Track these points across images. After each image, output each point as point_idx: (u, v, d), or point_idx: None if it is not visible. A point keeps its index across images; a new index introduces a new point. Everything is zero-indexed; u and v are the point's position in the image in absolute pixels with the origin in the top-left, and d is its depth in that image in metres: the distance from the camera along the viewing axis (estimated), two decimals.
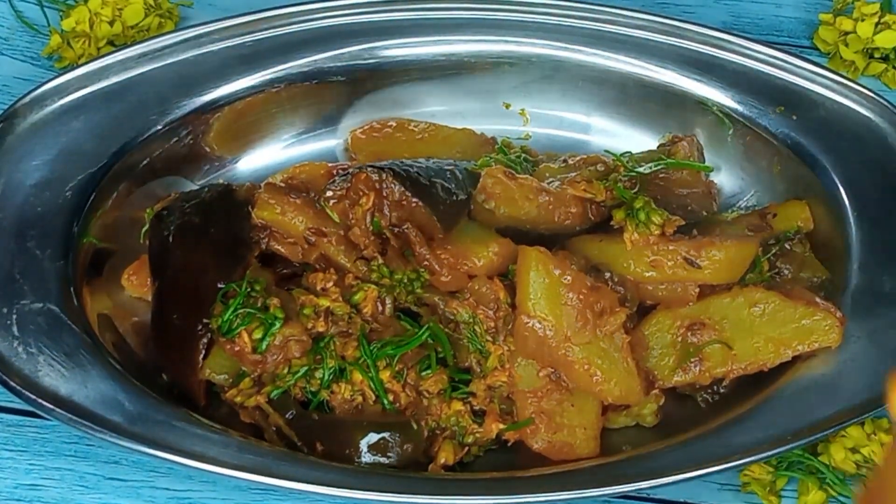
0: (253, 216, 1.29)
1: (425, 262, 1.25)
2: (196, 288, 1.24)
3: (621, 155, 1.34)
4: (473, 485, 1.20)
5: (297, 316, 1.24)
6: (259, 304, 1.23)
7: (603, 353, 1.22)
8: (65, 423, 1.17)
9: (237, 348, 1.22)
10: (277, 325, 1.22)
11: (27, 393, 1.17)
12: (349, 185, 1.27)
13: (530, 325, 1.22)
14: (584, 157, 1.36)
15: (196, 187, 1.36)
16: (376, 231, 1.26)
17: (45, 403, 1.17)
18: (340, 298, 1.25)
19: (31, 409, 1.18)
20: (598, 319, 1.22)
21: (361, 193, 1.26)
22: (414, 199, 1.25)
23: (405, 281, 1.26)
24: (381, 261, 1.26)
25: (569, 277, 1.22)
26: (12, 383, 1.17)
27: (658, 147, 1.38)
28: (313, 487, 1.15)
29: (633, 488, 1.18)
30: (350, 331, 1.24)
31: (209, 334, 1.22)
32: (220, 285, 1.23)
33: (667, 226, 1.26)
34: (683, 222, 1.27)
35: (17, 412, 1.27)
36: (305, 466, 1.17)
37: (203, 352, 1.22)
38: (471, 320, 1.24)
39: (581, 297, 1.21)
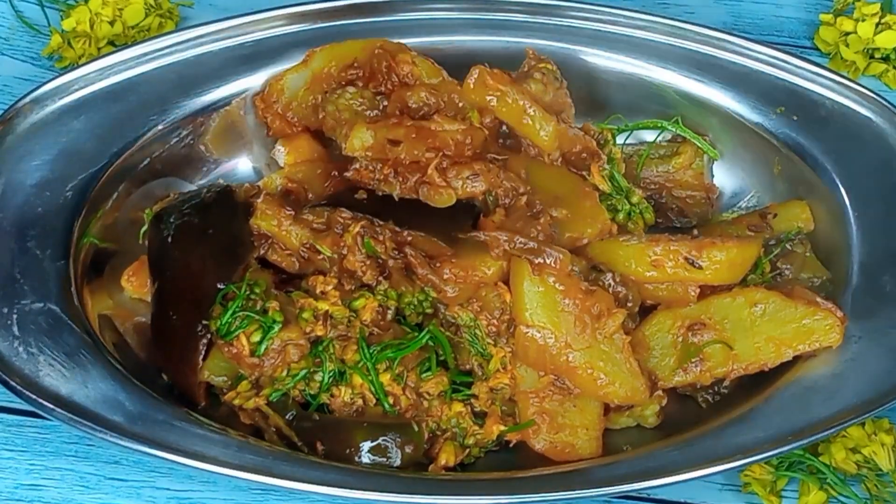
0: (251, 224, 1.29)
1: (428, 282, 1.24)
2: (196, 288, 1.24)
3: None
4: (474, 485, 1.20)
5: (296, 319, 1.23)
6: (258, 307, 1.22)
7: (605, 356, 1.22)
8: (65, 423, 1.17)
9: (235, 351, 1.22)
10: (276, 328, 1.22)
11: (28, 393, 1.17)
12: (324, 220, 1.28)
13: (529, 334, 1.21)
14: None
15: (195, 188, 1.36)
16: (371, 254, 1.26)
17: (45, 403, 1.17)
18: (340, 302, 1.25)
19: (31, 409, 1.18)
20: (597, 322, 1.22)
21: (345, 222, 1.27)
22: (408, 232, 1.25)
23: (414, 303, 1.26)
24: (386, 285, 1.26)
25: (563, 284, 1.22)
26: (13, 383, 1.17)
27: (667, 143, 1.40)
28: (314, 487, 1.15)
29: (634, 488, 1.18)
30: (349, 334, 1.24)
31: (208, 335, 1.22)
32: (219, 286, 1.23)
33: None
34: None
35: (17, 412, 1.27)
36: (306, 466, 1.17)
37: (203, 353, 1.22)
38: (472, 324, 1.24)
39: (577, 301, 1.21)
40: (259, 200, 1.29)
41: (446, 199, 1.25)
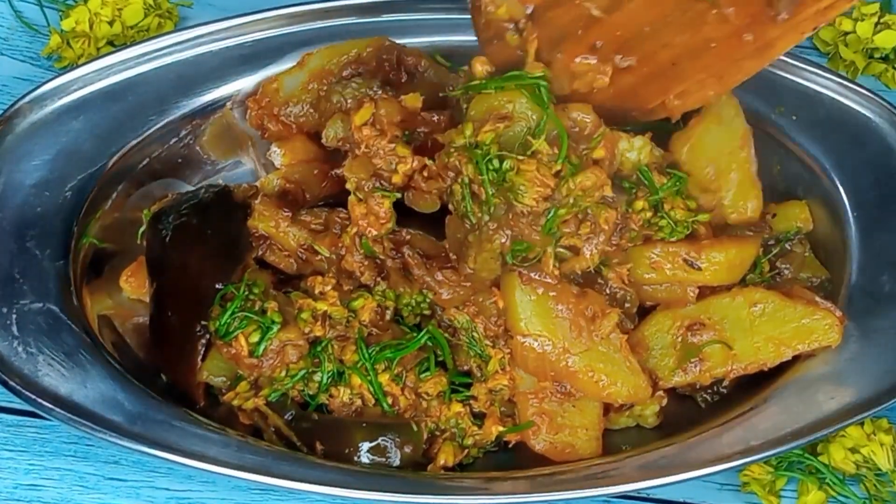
0: (249, 225, 1.29)
1: (424, 284, 1.24)
2: (194, 289, 1.23)
3: None
4: (474, 485, 1.20)
5: (295, 320, 1.23)
6: (257, 308, 1.22)
7: (604, 357, 1.22)
8: (65, 422, 1.17)
9: (234, 352, 1.21)
10: (274, 329, 1.21)
11: (27, 393, 1.17)
12: (322, 220, 1.28)
13: (527, 343, 1.21)
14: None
15: (193, 188, 1.36)
16: (369, 254, 1.25)
17: (44, 403, 1.17)
18: (338, 302, 1.24)
19: (30, 409, 1.18)
20: (592, 325, 1.21)
21: (343, 222, 1.27)
22: (408, 231, 1.25)
23: (412, 304, 1.26)
24: (384, 286, 1.26)
25: (554, 290, 1.21)
26: (12, 383, 1.18)
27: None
28: (313, 487, 1.15)
29: (633, 488, 1.18)
30: (348, 334, 1.24)
31: (207, 335, 1.22)
32: (218, 287, 1.23)
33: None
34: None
35: (16, 412, 1.27)
36: (305, 466, 1.17)
37: (201, 353, 1.22)
38: (469, 326, 1.24)
39: (570, 306, 1.21)
40: (256, 202, 1.29)
41: (430, 204, 1.24)
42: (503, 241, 1.19)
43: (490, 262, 1.20)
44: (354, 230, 1.24)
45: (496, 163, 1.18)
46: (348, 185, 1.25)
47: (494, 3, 1.21)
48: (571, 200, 1.18)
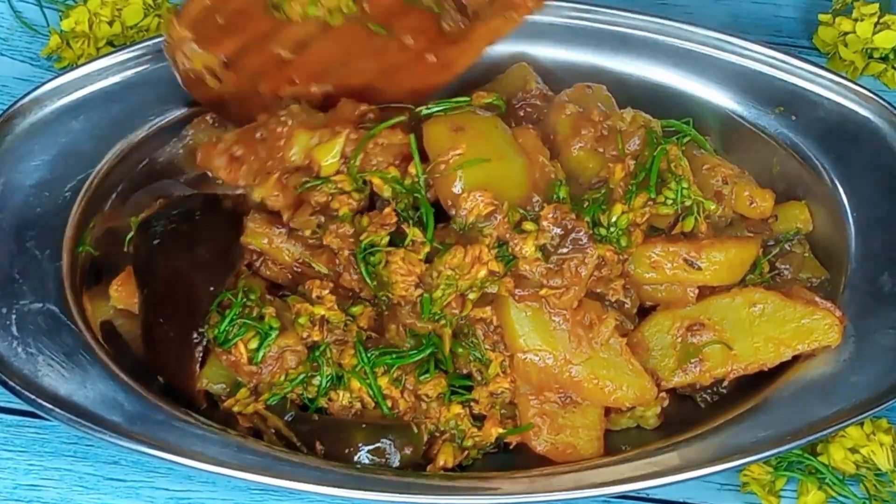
0: (241, 241, 1.27)
1: None
2: (187, 296, 1.22)
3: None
4: (473, 485, 1.20)
5: (293, 325, 1.22)
6: (254, 314, 1.21)
7: (606, 363, 1.22)
8: (64, 423, 1.17)
9: (233, 359, 1.21)
10: (273, 335, 1.21)
11: (27, 393, 1.17)
12: (318, 237, 1.27)
13: (527, 359, 1.21)
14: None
15: (182, 195, 1.35)
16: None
17: (44, 403, 1.17)
18: (336, 307, 1.24)
19: (30, 409, 1.18)
20: (590, 332, 1.21)
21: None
22: None
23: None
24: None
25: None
26: (12, 384, 1.17)
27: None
28: (313, 487, 1.15)
29: (633, 488, 1.18)
30: (346, 338, 1.23)
31: (204, 342, 1.21)
32: (213, 290, 1.21)
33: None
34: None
35: (16, 412, 1.27)
36: (305, 466, 1.17)
37: (199, 360, 1.21)
38: (468, 332, 1.24)
39: (567, 316, 1.21)
40: (247, 218, 1.27)
41: None
42: (396, 329, 1.23)
43: (397, 340, 1.23)
44: (347, 252, 1.23)
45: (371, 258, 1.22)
46: (306, 233, 1.26)
47: (188, 59, 1.29)
48: (443, 283, 1.19)
